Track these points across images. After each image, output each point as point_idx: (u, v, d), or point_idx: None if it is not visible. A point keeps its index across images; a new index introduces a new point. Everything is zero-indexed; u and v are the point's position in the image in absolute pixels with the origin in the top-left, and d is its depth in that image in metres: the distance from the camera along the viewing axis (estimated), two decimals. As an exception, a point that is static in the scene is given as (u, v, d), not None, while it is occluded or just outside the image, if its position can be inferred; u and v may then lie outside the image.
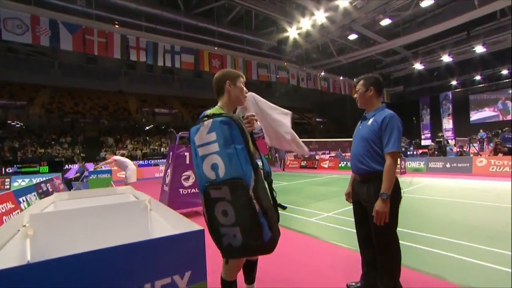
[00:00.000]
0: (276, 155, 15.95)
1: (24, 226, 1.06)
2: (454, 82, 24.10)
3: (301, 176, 11.74)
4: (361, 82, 1.96)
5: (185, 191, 4.77)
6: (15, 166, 14.31)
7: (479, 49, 17.21)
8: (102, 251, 0.70)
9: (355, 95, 2.00)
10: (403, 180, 8.78)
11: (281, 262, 2.66)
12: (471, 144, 13.21)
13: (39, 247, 1.10)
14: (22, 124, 18.57)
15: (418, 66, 21.10)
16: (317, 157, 19.66)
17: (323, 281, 2.28)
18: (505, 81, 21.30)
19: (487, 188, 6.80)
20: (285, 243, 3.23)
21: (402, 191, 1.83)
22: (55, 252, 1.04)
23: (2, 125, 17.78)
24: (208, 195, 1.17)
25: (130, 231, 1.32)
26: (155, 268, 0.76)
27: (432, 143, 14.59)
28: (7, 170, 13.87)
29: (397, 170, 1.77)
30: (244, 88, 1.49)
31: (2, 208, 4.31)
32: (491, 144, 13.32)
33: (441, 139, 13.48)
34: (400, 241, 1.81)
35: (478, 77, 22.65)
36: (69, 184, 8.51)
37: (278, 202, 1.34)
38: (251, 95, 1.62)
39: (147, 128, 23.08)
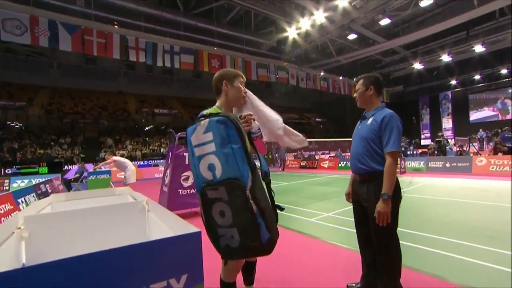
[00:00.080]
0: (277, 155, 15.93)
1: (19, 228, 1.05)
2: (453, 82, 24.13)
3: (300, 176, 11.73)
4: (361, 81, 1.95)
5: (184, 192, 4.75)
6: (14, 167, 14.28)
7: (479, 48, 17.22)
8: (95, 254, 0.68)
9: (355, 95, 1.99)
10: (402, 179, 8.77)
11: (280, 262, 2.65)
12: (471, 144, 13.21)
13: (34, 250, 1.09)
14: (21, 125, 18.54)
15: (417, 65, 21.11)
16: (316, 157, 19.66)
17: (323, 281, 2.27)
18: (504, 80, 21.32)
19: (487, 187, 6.80)
20: (284, 243, 3.22)
21: (402, 191, 1.82)
22: (51, 254, 1.03)
23: (1, 126, 17.75)
24: (205, 195, 1.16)
25: (127, 232, 1.31)
26: (150, 272, 0.75)
27: (432, 143, 14.59)
28: (6, 171, 13.84)
29: (397, 170, 1.76)
30: (243, 88, 1.47)
31: (1, 210, 4.29)
32: (491, 144, 13.33)
33: (441, 139, 13.48)
34: (400, 241, 1.80)
35: (477, 77, 22.68)
36: (68, 185, 8.49)
37: (277, 202, 1.32)
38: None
39: (147, 128, 23.05)
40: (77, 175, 8.57)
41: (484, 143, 15.67)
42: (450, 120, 24.90)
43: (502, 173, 8.94)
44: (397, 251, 1.79)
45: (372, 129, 1.82)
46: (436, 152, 12.92)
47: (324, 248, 3.08)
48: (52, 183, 7.72)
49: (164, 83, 27.29)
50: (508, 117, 21.35)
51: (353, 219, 2.04)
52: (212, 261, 1.73)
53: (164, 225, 1.13)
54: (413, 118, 23.21)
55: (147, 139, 21.32)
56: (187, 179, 4.77)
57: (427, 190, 6.75)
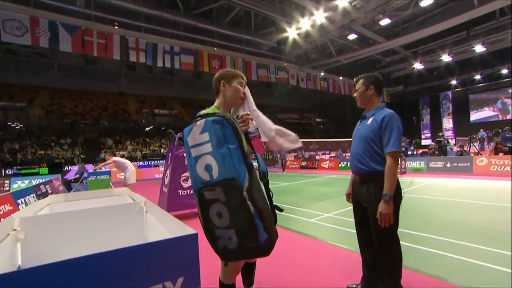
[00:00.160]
0: (277, 155, 15.92)
1: (15, 229, 1.04)
2: (454, 82, 24.10)
3: (301, 177, 11.72)
4: (361, 81, 1.94)
5: (184, 192, 4.74)
6: (14, 167, 14.29)
7: (479, 48, 17.20)
8: (88, 257, 0.67)
9: (355, 94, 1.98)
10: (403, 180, 8.75)
11: (280, 263, 2.63)
12: (471, 144, 13.19)
13: (30, 251, 1.07)
14: (22, 125, 18.55)
15: (417, 65, 21.10)
16: (317, 157, 19.65)
17: (323, 282, 2.25)
18: (505, 80, 21.29)
19: (488, 187, 6.78)
20: (284, 244, 3.21)
21: (402, 191, 1.81)
22: (47, 256, 1.02)
23: (2, 127, 17.77)
24: (202, 196, 1.15)
25: (125, 234, 1.30)
26: (145, 274, 0.73)
27: (433, 143, 14.57)
28: (6, 171, 13.85)
29: (397, 170, 1.75)
30: (241, 88, 1.46)
31: (0, 210, 4.30)
32: (492, 144, 13.31)
33: (441, 139, 13.45)
34: (400, 242, 1.79)
35: (478, 77, 22.65)
36: (68, 186, 8.50)
37: (276, 203, 1.31)
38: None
39: (147, 129, 23.07)
40: (77, 175, 8.57)
41: (485, 143, 15.65)
42: (451, 120, 24.87)
43: (503, 173, 8.91)
44: (398, 252, 1.78)
45: (372, 129, 1.80)
46: (436, 152, 12.89)
47: (324, 249, 3.07)
48: (52, 183, 7.72)
49: (164, 83, 27.31)
50: (509, 117, 21.31)
51: (353, 220, 2.03)
52: (210, 263, 1.72)
53: (162, 226, 1.12)
54: (414, 118, 23.20)
55: (147, 139, 21.33)
56: (187, 179, 4.76)
57: (428, 190, 6.73)
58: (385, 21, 14.68)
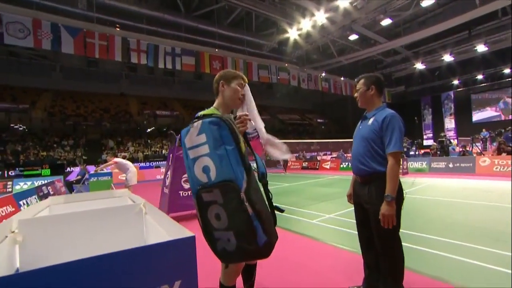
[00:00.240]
0: None
1: (13, 232, 1.03)
2: (456, 82, 24.00)
3: (302, 177, 11.69)
4: (362, 81, 1.93)
5: (185, 194, 4.74)
6: (17, 169, 14.37)
7: (481, 48, 17.13)
8: (82, 261, 0.66)
9: (356, 94, 1.97)
10: (405, 180, 8.71)
11: (281, 265, 2.62)
12: (474, 144, 13.11)
13: (29, 254, 1.07)
14: (24, 127, 18.66)
15: (419, 66, 21.04)
16: (318, 158, 19.61)
17: (325, 284, 2.24)
18: (507, 80, 21.17)
19: (491, 188, 6.72)
20: (285, 245, 3.19)
21: (404, 192, 1.79)
22: (45, 258, 1.02)
23: (5, 129, 17.88)
24: (200, 198, 1.14)
25: (125, 235, 1.29)
26: (142, 278, 0.73)
27: (434, 143, 14.49)
28: (9, 173, 13.93)
29: (399, 171, 1.74)
30: (240, 90, 1.45)
31: (2, 212, 4.32)
32: (494, 144, 13.23)
33: (444, 139, 13.38)
34: (402, 243, 1.78)
35: (480, 76, 22.54)
36: (70, 187, 8.54)
37: (277, 204, 1.30)
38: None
39: (149, 130, 23.12)
40: (79, 177, 8.61)
41: (487, 143, 15.55)
42: (453, 120, 24.76)
43: (506, 174, 8.84)
44: (400, 253, 1.77)
45: (373, 129, 1.79)
46: (438, 152, 12.83)
47: (325, 250, 3.05)
48: (54, 185, 7.75)
49: (166, 84, 27.40)
50: (511, 117, 21.17)
51: (355, 221, 2.01)
52: (210, 264, 1.71)
53: (161, 228, 1.11)
54: (415, 118, 23.08)
55: (148, 141, 21.38)
56: (187, 180, 4.75)
57: (430, 191, 6.69)
58: (386, 21, 14.66)
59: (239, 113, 1.30)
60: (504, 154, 9.84)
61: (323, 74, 20.39)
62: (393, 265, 1.76)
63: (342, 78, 21.40)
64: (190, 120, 1.20)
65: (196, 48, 14.54)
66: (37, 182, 10.37)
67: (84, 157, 16.70)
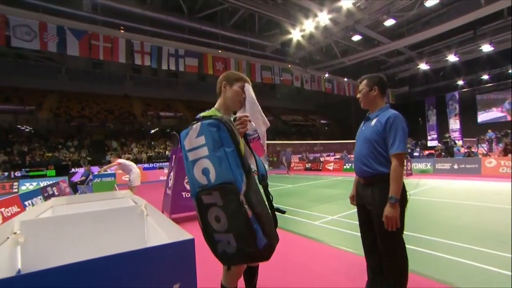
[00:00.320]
0: (283, 157, 15.87)
1: (15, 233, 1.04)
2: (460, 82, 23.75)
3: (305, 179, 11.65)
4: (365, 81, 1.91)
5: (187, 195, 4.74)
6: (23, 170, 14.57)
7: (486, 48, 16.93)
8: (83, 263, 0.65)
9: (359, 95, 1.96)
10: (409, 182, 8.63)
11: (284, 266, 2.61)
12: (479, 145, 12.95)
13: (30, 255, 1.07)
14: (31, 128, 18.90)
15: (423, 66, 20.86)
16: (321, 159, 19.54)
17: (328, 286, 2.22)
18: (513, 80, 20.89)
19: (497, 189, 6.63)
20: (288, 247, 3.18)
21: (408, 193, 1.77)
22: (47, 260, 1.02)
23: (12, 130, 18.14)
24: (200, 200, 1.14)
25: (126, 237, 1.29)
26: (140, 281, 0.72)
27: (439, 144, 14.35)
28: (15, 173, 14.12)
29: (403, 172, 1.72)
30: (242, 93, 1.44)
31: (8, 212, 4.37)
32: (500, 145, 13.05)
33: (448, 140, 13.25)
34: (406, 245, 1.75)
35: (485, 77, 22.26)
36: (74, 188, 8.61)
37: (280, 205, 1.29)
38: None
39: (152, 131, 23.26)
40: (83, 177, 8.68)
41: (493, 144, 15.34)
42: (458, 121, 24.49)
43: (513, 175, 8.71)
44: (404, 256, 1.74)
45: (376, 130, 1.78)
46: (443, 153, 12.70)
47: (328, 252, 3.03)
48: (59, 185, 7.83)
49: (169, 86, 27.56)
50: (517, 117, 20.89)
51: (358, 223, 2.00)
52: (211, 266, 1.71)
53: (161, 230, 1.11)
54: (419, 119, 22.86)
55: (152, 142, 21.50)
56: (190, 182, 4.75)
57: (434, 192, 6.61)
58: (389, 22, 14.58)
59: (239, 114, 1.29)
60: (510, 155, 9.71)
61: (326, 75, 20.34)
62: (396, 268, 1.74)
63: (345, 79, 21.32)
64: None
65: (200, 49, 14.60)
66: (43, 183, 10.49)
67: (88, 158, 16.85)
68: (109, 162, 10.85)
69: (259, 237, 1.08)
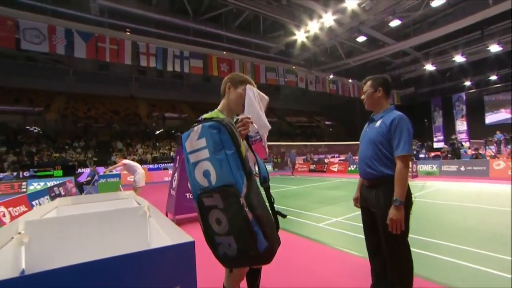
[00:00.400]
0: (287, 158, 15.84)
1: (20, 233, 1.06)
2: (468, 83, 23.39)
3: (310, 180, 11.60)
4: (369, 82, 1.90)
5: (191, 196, 4.75)
6: (31, 170, 14.82)
7: (494, 48, 16.65)
8: (81, 265, 0.66)
9: (363, 96, 1.95)
10: (414, 184, 8.52)
11: (287, 268, 2.60)
12: (487, 147, 12.73)
13: (34, 255, 1.09)
14: (39, 129, 19.24)
15: (429, 67, 20.62)
16: (326, 160, 19.44)
17: (331, 289, 2.20)
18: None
19: (506, 192, 6.49)
20: (292, 248, 3.16)
21: (413, 196, 1.75)
22: (51, 260, 1.03)
23: (21, 131, 18.49)
24: (201, 203, 1.14)
25: (129, 238, 1.30)
26: (140, 283, 0.72)
27: (445, 146, 14.15)
28: (24, 173, 14.38)
29: (408, 174, 1.70)
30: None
31: (16, 211, 4.45)
32: (509, 146, 12.81)
33: (455, 142, 13.06)
34: (411, 249, 1.73)
35: (493, 77, 21.88)
36: (81, 188, 8.72)
37: (284, 207, 1.29)
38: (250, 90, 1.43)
39: (157, 132, 23.44)
40: (89, 178, 8.79)
41: (502, 146, 15.06)
42: (465, 123, 24.10)
43: (522, 178, 8.53)
44: (408, 259, 1.72)
45: (380, 131, 1.76)
46: (449, 155, 12.51)
47: (332, 255, 3.00)
48: (65, 185, 7.95)
49: (174, 87, 27.77)
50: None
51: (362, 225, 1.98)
52: (213, 268, 1.71)
53: (163, 232, 1.11)
54: (425, 120, 22.56)
55: (157, 143, 21.67)
56: (194, 183, 4.76)
57: (440, 195, 6.52)
58: (395, 23, 14.46)
59: (241, 116, 1.29)
60: (519, 158, 9.51)
61: (331, 76, 20.25)
62: (401, 272, 1.71)
63: (350, 80, 21.20)
64: (198, 123, 1.19)
65: (204, 51, 14.69)
66: (50, 183, 10.66)
67: (94, 159, 17.06)
68: (115, 162, 10.96)
69: (259, 240, 1.07)
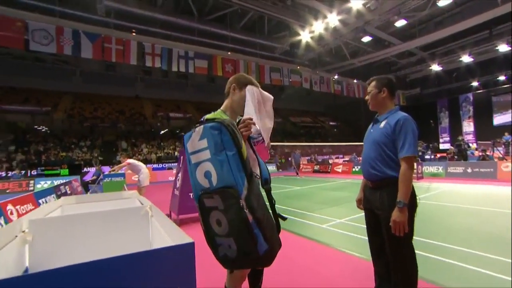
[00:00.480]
0: (292, 159, 15.80)
1: (23, 231, 1.07)
2: (475, 83, 23.03)
3: (314, 181, 11.55)
4: (373, 83, 1.88)
5: (195, 195, 4.77)
6: (39, 168, 15.08)
7: (503, 48, 16.37)
8: (80, 265, 0.66)
9: (367, 97, 1.93)
10: (420, 185, 8.42)
11: (290, 269, 2.59)
12: (495, 148, 12.51)
13: (38, 254, 1.10)
14: (46, 128, 19.56)
15: (435, 67, 20.37)
16: (330, 161, 19.33)
17: (334, 291, 2.19)
18: (532, 81, 20.11)
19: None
20: (294, 249, 3.15)
21: (417, 198, 1.73)
22: (54, 258, 1.04)
23: (29, 130, 18.83)
24: (202, 203, 1.14)
25: (132, 238, 1.31)
26: (141, 283, 0.72)
27: (452, 147, 13.95)
28: (32, 172, 14.63)
29: (413, 175, 1.67)
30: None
31: (23, 209, 4.52)
32: (518, 148, 12.55)
33: (461, 143, 12.86)
34: (416, 251, 1.71)
35: (502, 78, 21.50)
36: (86, 187, 8.83)
37: (287, 207, 1.28)
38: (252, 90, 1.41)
39: (162, 132, 23.60)
40: (94, 177, 8.89)
41: (510, 148, 14.78)
42: (472, 124, 23.73)
43: (531, 180, 8.36)
44: (413, 262, 1.70)
45: (385, 132, 1.74)
46: (456, 156, 12.33)
47: (335, 256, 2.98)
48: (71, 184, 8.05)
49: (179, 87, 27.94)
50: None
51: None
52: (214, 268, 1.71)
53: (164, 232, 1.12)
54: (431, 121, 22.33)
55: (162, 142, 21.82)
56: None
57: (446, 197, 6.42)
58: (400, 23, 14.32)
59: (243, 117, 1.29)
60: (528, 160, 9.33)
61: (336, 77, 20.15)
62: (405, 275, 1.69)
63: (355, 81, 21.07)
64: (202, 123, 1.19)
65: (209, 51, 14.76)
66: (56, 182, 10.81)
67: (100, 158, 17.25)
68: (119, 162, 11.05)
69: (259, 242, 1.07)
